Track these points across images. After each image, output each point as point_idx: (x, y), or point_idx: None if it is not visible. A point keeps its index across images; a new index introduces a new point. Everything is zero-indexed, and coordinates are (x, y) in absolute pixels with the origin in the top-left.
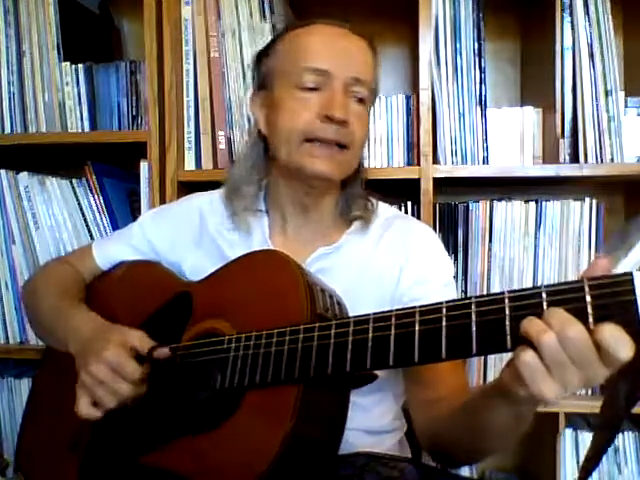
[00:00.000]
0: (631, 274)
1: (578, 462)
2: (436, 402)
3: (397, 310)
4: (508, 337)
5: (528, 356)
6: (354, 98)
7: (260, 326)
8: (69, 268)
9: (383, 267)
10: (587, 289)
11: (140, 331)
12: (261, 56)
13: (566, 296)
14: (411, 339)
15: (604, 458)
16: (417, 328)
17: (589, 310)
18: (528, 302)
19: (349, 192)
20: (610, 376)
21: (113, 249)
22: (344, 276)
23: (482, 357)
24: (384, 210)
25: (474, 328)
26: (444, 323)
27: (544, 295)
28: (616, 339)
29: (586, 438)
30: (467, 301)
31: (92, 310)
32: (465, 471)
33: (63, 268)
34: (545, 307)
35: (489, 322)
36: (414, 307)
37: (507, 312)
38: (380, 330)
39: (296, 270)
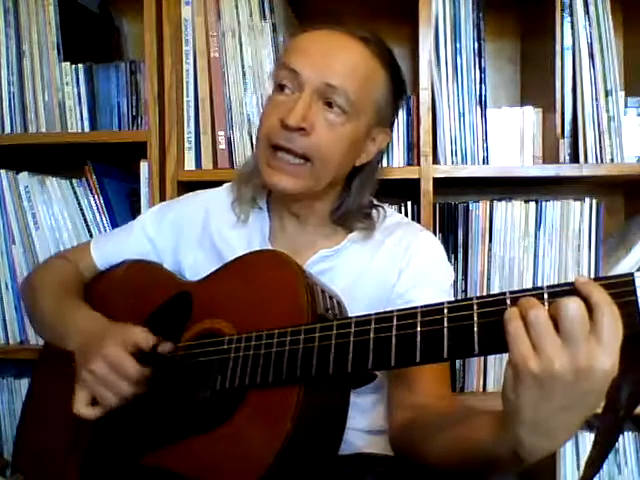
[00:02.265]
0: (632, 275)
1: (578, 462)
2: (420, 407)
3: (398, 310)
4: None
5: (514, 324)
6: (326, 105)
7: (260, 326)
8: (70, 265)
9: (382, 270)
10: None
11: (142, 327)
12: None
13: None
14: (413, 340)
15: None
16: (419, 329)
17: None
18: None
19: (345, 205)
20: (612, 380)
21: (111, 250)
22: (342, 278)
23: (482, 358)
24: (388, 216)
25: (476, 329)
26: (446, 324)
27: (546, 296)
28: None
29: (586, 438)
30: (469, 302)
31: (93, 309)
32: None
33: (64, 265)
34: (547, 307)
35: (491, 323)
36: (415, 307)
37: None
38: (382, 331)
39: (297, 270)
